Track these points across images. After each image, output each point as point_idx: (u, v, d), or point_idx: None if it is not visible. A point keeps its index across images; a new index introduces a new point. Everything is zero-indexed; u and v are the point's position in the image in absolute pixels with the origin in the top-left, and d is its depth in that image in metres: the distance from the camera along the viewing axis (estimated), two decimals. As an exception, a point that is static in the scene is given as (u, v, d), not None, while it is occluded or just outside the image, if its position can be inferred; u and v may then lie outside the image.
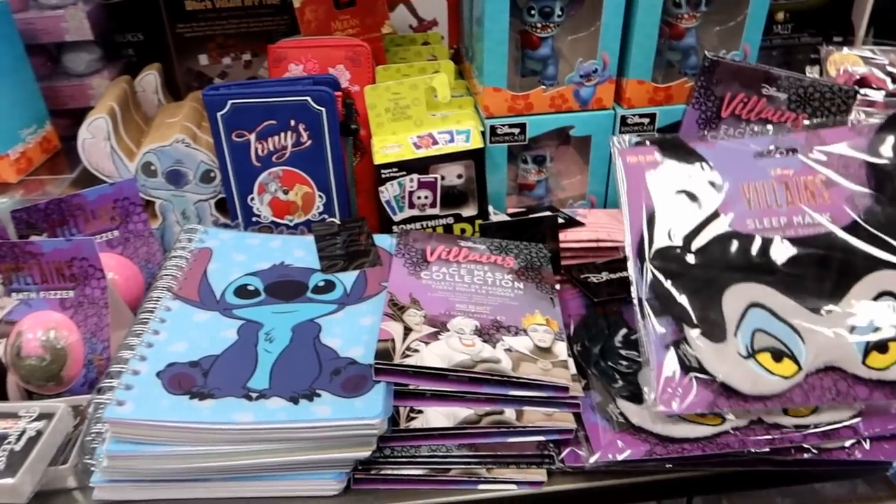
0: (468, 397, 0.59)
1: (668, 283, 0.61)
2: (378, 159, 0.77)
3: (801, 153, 0.64)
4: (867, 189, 0.62)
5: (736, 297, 0.60)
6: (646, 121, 0.84)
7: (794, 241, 0.62)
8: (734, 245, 0.62)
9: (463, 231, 0.81)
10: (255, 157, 0.79)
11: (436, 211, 0.80)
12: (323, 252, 0.75)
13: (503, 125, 0.82)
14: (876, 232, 0.61)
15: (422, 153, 0.77)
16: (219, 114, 0.76)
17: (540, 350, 0.61)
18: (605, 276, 0.77)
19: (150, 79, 0.95)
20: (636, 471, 0.59)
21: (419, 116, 0.81)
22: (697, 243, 0.62)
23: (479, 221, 0.80)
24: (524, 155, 0.88)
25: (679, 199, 0.64)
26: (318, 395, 0.57)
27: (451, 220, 0.80)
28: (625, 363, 0.64)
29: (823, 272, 0.60)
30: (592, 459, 0.57)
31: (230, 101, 0.76)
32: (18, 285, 0.67)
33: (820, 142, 0.64)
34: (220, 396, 0.56)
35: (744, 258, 0.61)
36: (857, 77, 0.87)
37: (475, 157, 0.77)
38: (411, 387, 0.59)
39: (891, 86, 0.86)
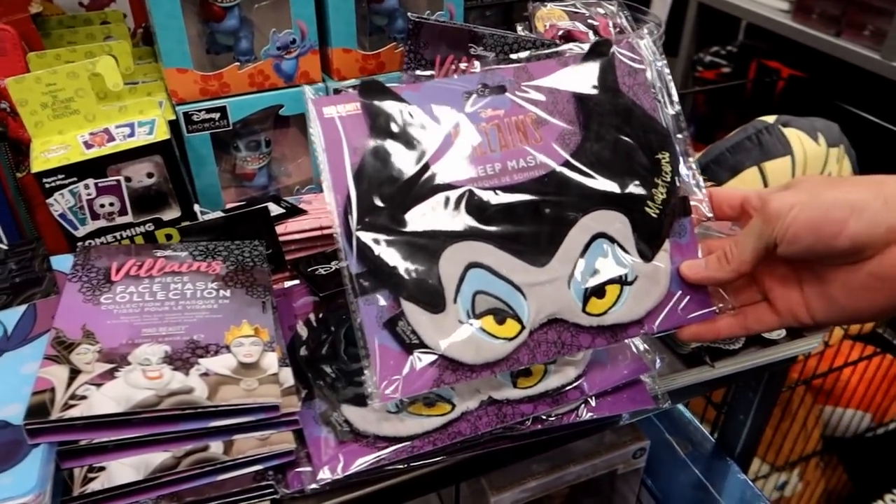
0: (160, 440, 0.49)
1: (379, 252, 0.53)
2: (37, 166, 0.63)
3: (509, 91, 0.58)
4: (577, 125, 0.58)
5: (453, 259, 0.53)
6: (362, 92, 0.78)
7: (509, 189, 0.56)
8: (449, 200, 0.55)
9: (169, 238, 0.70)
10: None
11: (128, 218, 0.68)
12: (-20, 288, 0.61)
13: (199, 111, 0.72)
14: (586, 169, 0.57)
15: (93, 153, 0.64)
16: None
17: (244, 367, 0.53)
18: (334, 265, 0.70)
19: None
20: (371, 479, 0.53)
21: (89, 110, 0.68)
22: (409, 203, 0.54)
23: (185, 224, 0.70)
24: (236, 142, 0.79)
25: (386, 154, 0.55)
26: (-50, 480, 0.44)
27: (151, 227, 0.69)
28: (349, 363, 0.58)
29: (540, 221, 0.55)
30: (315, 482, 0.51)
31: None
32: None
33: (528, 77, 0.59)
34: None
35: (459, 215, 0.54)
36: (563, 31, 0.87)
37: (163, 151, 0.66)
38: (83, 443, 0.48)
39: (593, 38, 0.87)
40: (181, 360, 0.53)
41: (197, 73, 0.71)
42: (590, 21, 0.88)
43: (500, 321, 0.53)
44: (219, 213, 0.74)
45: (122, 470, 0.48)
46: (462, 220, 0.54)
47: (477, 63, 0.74)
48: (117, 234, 0.68)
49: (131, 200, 0.67)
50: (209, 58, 0.74)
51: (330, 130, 0.55)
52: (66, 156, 0.64)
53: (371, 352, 0.51)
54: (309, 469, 0.53)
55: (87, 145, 0.65)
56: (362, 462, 0.51)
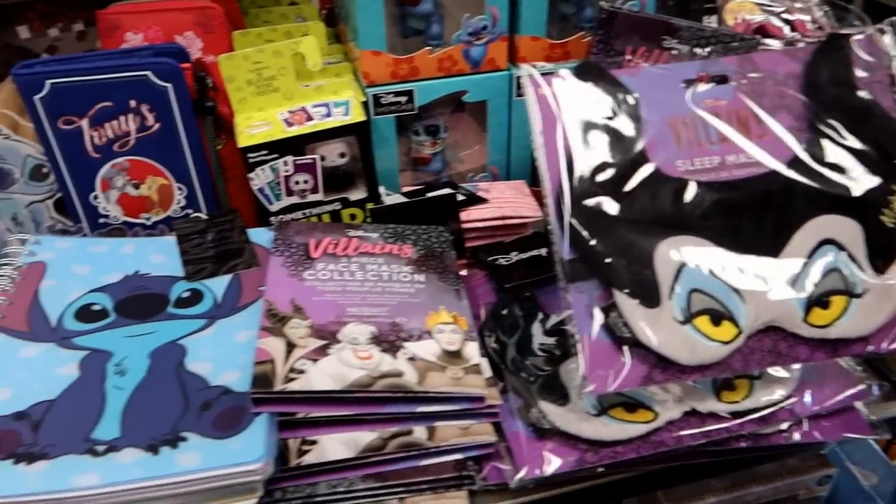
0: (369, 419, 0.50)
1: (592, 241, 0.50)
2: (242, 141, 0.65)
3: (733, 80, 0.55)
4: (805, 121, 0.54)
5: (669, 253, 0.51)
6: (544, 81, 0.76)
7: (729, 184, 0.53)
8: (664, 191, 0.52)
9: (353, 217, 0.71)
10: (91, 148, 0.66)
11: (319, 196, 0.69)
12: (188, 255, 0.63)
13: (387, 93, 0.73)
14: (818, 168, 0.53)
15: (294, 131, 0.66)
16: (36, 97, 0.62)
17: (448, 355, 0.53)
18: (514, 256, 0.69)
19: (-44, 57, 0.78)
20: (566, 480, 0.52)
21: (288, 88, 0.69)
22: (623, 191, 0.52)
23: (369, 205, 0.71)
24: (415, 126, 0.79)
25: (601, 139, 0.53)
26: (184, 439, 0.46)
27: (338, 206, 0.70)
28: (544, 356, 0.57)
29: (762, 220, 0.52)
30: (518, 477, 0.50)
31: (48, 81, 0.62)
32: None
33: (753, 67, 0.55)
34: (54, 455, 0.44)
35: (676, 207, 0.52)
36: (756, 25, 0.83)
37: (358, 133, 0.67)
38: (300, 415, 0.49)
39: (788, 33, 0.82)
40: (387, 342, 0.53)
41: (390, 57, 0.71)
42: (784, 16, 0.83)
43: (716, 322, 0.50)
44: (399, 197, 0.74)
45: (334, 446, 0.49)
46: (678, 213, 0.52)
47: (666, 54, 0.71)
48: (306, 211, 0.70)
49: (323, 179, 0.69)
50: (400, 41, 0.74)
51: (546, 111, 0.54)
52: (270, 132, 0.66)
53: (581, 341, 0.49)
54: (505, 465, 0.52)
55: (288, 123, 0.67)
56: (566, 464, 0.50)
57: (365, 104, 0.72)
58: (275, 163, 0.66)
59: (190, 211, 0.70)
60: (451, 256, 0.64)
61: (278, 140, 0.65)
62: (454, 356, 0.53)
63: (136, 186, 0.68)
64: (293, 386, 0.48)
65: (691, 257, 0.51)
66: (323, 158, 0.68)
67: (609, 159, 0.53)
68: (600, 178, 0.52)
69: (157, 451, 0.45)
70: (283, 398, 0.48)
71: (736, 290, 0.51)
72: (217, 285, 0.60)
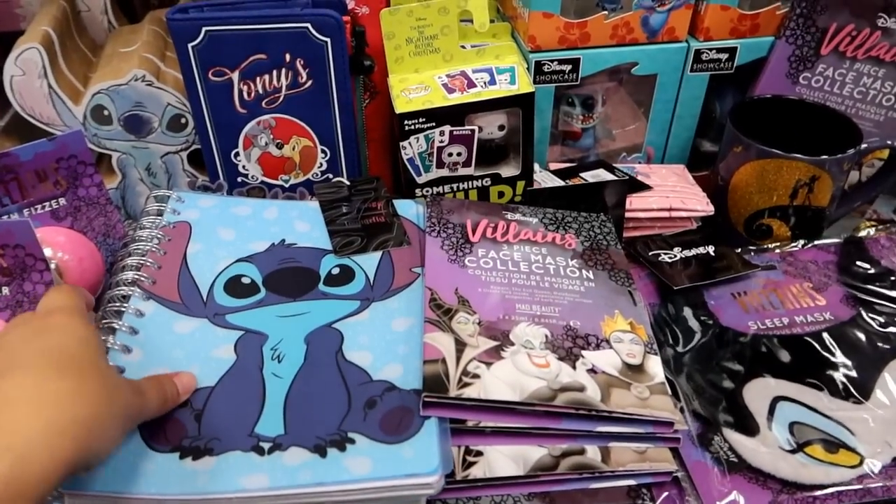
0: (542, 434, 0.45)
1: (676, 379, 0.52)
2: (400, 106, 0.60)
3: (779, 268, 0.62)
4: (853, 294, 0.59)
5: (757, 392, 0.51)
6: (723, 56, 0.68)
7: (801, 336, 0.55)
8: (739, 342, 0.55)
9: (501, 195, 0.66)
10: (239, 103, 0.62)
11: (470, 171, 0.64)
12: (333, 225, 0.59)
13: (551, 61, 0.66)
14: (880, 321, 0.57)
15: (456, 99, 0.60)
16: (190, 45, 0.58)
17: (630, 369, 0.48)
18: (678, 253, 0.63)
19: (95, -7, 0.75)
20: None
21: (449, 49, 0.63)
22: (691, 343, 0.55)
23: (521, 183, 0.65)
24: (570, 97, 0.72)
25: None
26: (352, 441, 0.43)
27: (487, 182, 0.65)
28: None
29: (840, 363, 0.53)
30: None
31: (205, 29, 0.58)
32: (-68, 281, 0.51)
33: (794, 259, 0.63)
34: (220, 451, 0.41)
35: (752, 354, 0.54)
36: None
37: (524, 105, 0.61)
38: (470, 423, 0.45)
39: None
40: (563, 348, 0.48)
41: (561, 20, 0.64)
42: None
43: (832, 451, 0.47)
44: (548, 174, 0.68)
45: (502, 460, 0.45)
46: (756, 358, 0.54)
47: (878, 34, 0.62)
48: (454, 186, 0.65)
49: (476, 151, 0.63)
50: (573, 3, 0.66)
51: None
52: (429, 98, 0.60)
53: (689, 469, 0.47)
54: (678, 495, 0.47)
55: (448, 89, 0.61)
56: None
57: (528, 71, 0.65)
58: (431, 132, 0.61)
59: (330, 175, 0.66)
60: (618, 252, 0.58)
61: (438, 107, 0.60)
62: (636, 371, 0.48)
63: (280, 146, 0.64)
64: (469, 392, 0.44)
65: (781, 395, 0.51)
66: (480, 130, 0.62)
67: (683, 315, 0.57)
68: (677, 333, 0.56)
69: (325, 453, 0.42)
70: (456, 404, 0.44)
71: (840, 423, 0.49)
72: (367, 263, 0.56)
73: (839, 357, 0.53)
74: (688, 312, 0.57)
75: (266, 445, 0.42)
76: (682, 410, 0.50)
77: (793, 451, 0.47)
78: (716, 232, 0.67)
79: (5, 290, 0.51)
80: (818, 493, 0.45)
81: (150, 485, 0.39)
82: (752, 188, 0.63)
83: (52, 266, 0.52)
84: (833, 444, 0.48)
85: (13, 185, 0.57)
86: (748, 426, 0.49)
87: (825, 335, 0.55)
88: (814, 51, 0.66)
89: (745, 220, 0.66)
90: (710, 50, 0.67)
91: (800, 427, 0.49)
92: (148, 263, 0.53)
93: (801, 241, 0.64)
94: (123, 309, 0.49)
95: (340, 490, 0.40)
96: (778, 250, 0.64)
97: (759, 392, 0.51)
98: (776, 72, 0.68)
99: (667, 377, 0.50)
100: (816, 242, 0.64)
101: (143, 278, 0.52)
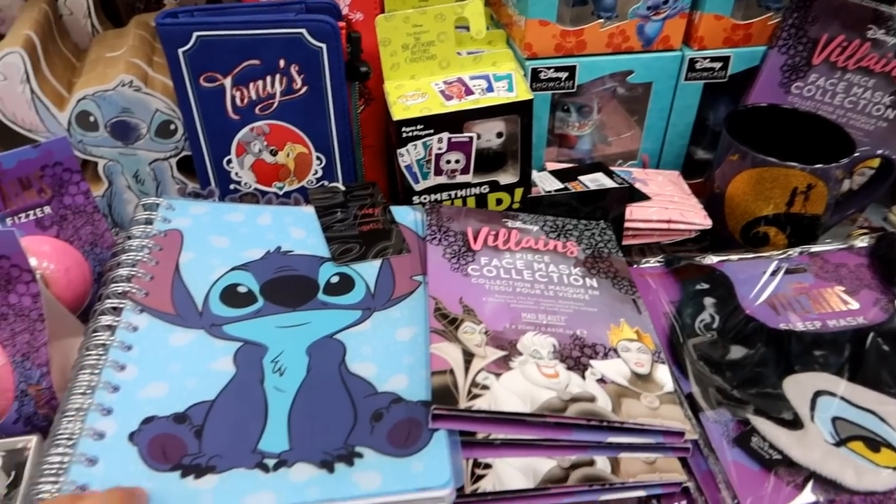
0: (552, 445, 0.45)
1: (716, 376, 0.52)
2: (397, 113, 0.59)
3: (809, 271, 0.61)
4: (887, 297, 0.58)
5: (798, 386, 0.51)
6: (717, 65, 0.68)
7: (836, 332, 0.55)
8: (775, 339, 0.55)
9: (499, 202, 0.65)
10: (231, 109, 0.60)
11: (468, 178, 0.63)
12: (330, 231, 0.58)
13: (547, 68, 0.65)
14: None
15: (454, 106, 0.59)
16: (181, 50, 0.57)
17: (639, 378, 0.47)
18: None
19: (78, -4, 0.73)
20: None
21: (445, 56, 0.63)
22: (732, 337, 0.55)
23: (519, 190, 0.64)
24: (566, 104, 0.72)
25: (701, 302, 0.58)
26: (360, 455, 0.41)
27: (485, 190, 0.64)
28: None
29: (879, 358, 0.53)
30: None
31: (196, 34, 0.56)
32: (-89, 294, 0.48)
33: (824, 262, 0.62)
34: (223, 469, 0.39)
35: (790, 349, 0.54)
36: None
37: (522, 112, 0.61)
38: (480, 436, 0.44)
39: None
40: (571, 358, 0.47)
41: (557, 28, 0.64)
42: None
43: (874, 449, 0.47)
44: (548, 177, 0.68)
45: (511, 473, 0.44)
46: (795, 353, 0.53)
47: (868, 45, 0.63)
48: (452, 193, 0.64)
49: (474, 159, 0.62)
50: (568, 11, 0.66)
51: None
52: (427, 105, 0.60)
53: (725, 470, 0.46)
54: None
55: (446, 96, 0.61)
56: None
57: (524, 78, 0.65)
58: (429, 139, 0.60)
59: (325, 182, 0.65)
60: (620, 259, 0.58)
61: (436, 115, 0.59)
62: (645, 380, 0.47)
63: (274, 153, 0.63)
64: (479, 404, 0.43)
65: (823, 389, 0.51)
66: (479, 137, 0.62)
67: (713, 313, 0.57)
68: (709, 326, 0.56)
69: (333, 468, 0.40)
70: (466, 416, 0.43)
71: (882, 419, 0.48)
72: (367, 271, 0.55)
73: (873, 356, 0.53)
74: (713, 307, 0.57)
75: (271, 462, 0.40)
76: (689, 420, 0.49)
77: (836, 444, 0.47)
78: (714, 241, 0.67)
79: (-11, 303, 0.49)
80: (862, 496, 0.45)
81: (151, 506, 0.37)
82: (748, 196, 0.64)
83: (38, 276, 0.50)
84: (875, 443, 0.47)
85: (-5, 193, 0.55)
86: (791, 421, 0.48)
87: (861, 334, 0.54)
88: (806, 61, 0.67)
89: (742, 228, 0.66)
90: (704, 59, 0.68)
91: (842, 423, 0.48)
92: (139, 274, 0.51)
93: (836, 244, 0.64)
94: (115, 323, 0.47)
95: (350, 507, 0.39)
96: (780, 259, 0.63)
97: (799, 385, 0.51)
98: (769, 81, 0.69)
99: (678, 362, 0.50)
100: (841, 245, 0.63)
101: (134, 290, 0.50)
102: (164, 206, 0.58)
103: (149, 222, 0.56)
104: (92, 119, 0.62)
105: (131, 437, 0.40)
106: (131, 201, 0.66)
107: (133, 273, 0.51)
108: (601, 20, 0.65)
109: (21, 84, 0.60)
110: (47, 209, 0.57)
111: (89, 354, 0.45)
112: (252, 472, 0.40)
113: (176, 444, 0.40)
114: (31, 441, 0.47)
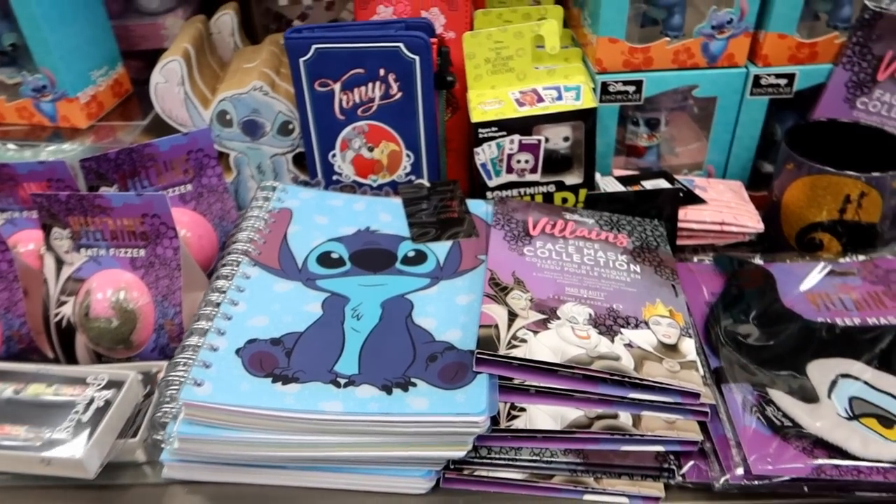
0: (580, 397, 0.51)
1: (743, 356, 0.57)
2: (476, 116, 0.68)
3: (858, 275, 0.64)
4: None
5: (822, 368, 0.55)
6: (782, 82, 0.73)
7: (873, 327, 0.59)
8: (809, 329, 0.59)
9: (564, 201, 0.73)
10: (338, 110, 0.72)
11: (536, 177, 0.71)
12: (412, 218, 0.68)
13: (616, 82, 0.73)
14: None
15: (525, 111, 0.68)
16: (301, 60, 0.69)
17: (665, 347, 0.53)
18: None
19: (225, 19, 0.88)
20: (778, 493, 0.50)
21: (522, 69, 0.71)
22: (766, 324, 0.59)
23: (583, 191, 0.72)
24: (636, 116, 0.78)
25: (741, 293, 0.63)
26: (413, 385, 0.50)
27: (552, 188, 0.72)
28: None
29: None
30: (742, 473, 0.49)
31: (314, 46, 0.68)
32: (87, 241, 0.62)
33: (875, 267, 0.65)
34: (305, 381, 0.50)
35: (822, 338, 0.58)
36: None
37: (586, 119, 0.68)
38: (516, 381, 0.51)
39: None
40: (604, 325, 0.54)
41: (626, 45, 0.71)
42: None
43: (887, 426, 0.50)
44: (613, 181, 0.74)
45: (541, 416, 0.51)
46: (824, 341, 0.57)
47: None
48: (521, 190, 0.72)
49: (542, 160, 0.70)
50: (637, 30, 0.73)
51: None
52: (502, 110, 0.69)
53: (739, 431, 0.51)
54: (704, 465, 0.51)
55: (519, 103, 0.69)
56: (802, 467, 0.48)
57: (593, 90, 0.72)
58: (501, 140, 0.69)
59: (413, 177, 0.75)
60: (666, 252, 0.64)
61: (509, 118, 0.68)
62: (671, 349, 0.53)
63: (371, 149, 0.74)
64: (516, 352, 0.51)
65: (845, 373, 0.54)
66: (547, 140, 0.70)
67: (751, 302, 0.61)
68: (744, 314, 0.61)
69: (391, 391, 0.49)
70: (504, 362, 0.51)
71: None
72: (439, 249, 0.64)
73: None
74: (753, 297, 0.62)
75: (342, 381, 0.50)
76: (708, 386, 0.54)
77: (849, 418, 0.51)
78: (770, 247, 0.71)
79: (142, 252, 0.62)
80: (864, 466, 0.48)
81: (248, 399, 0.48)
82: (802, 203, 0.67)
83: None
84: (889, 421, 0.50)
85: (152, 170, 0.69)
86: (807, 396, 0.53)
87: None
88: (871, 77, 0.70)
89: (797, 234, 0.69)
90: (769, 75, 0.72)
91: (859, 402, 0.52)
92: (255, 238, 0.63)
93: (890, 252, 0.67)
94: (233, 273, 0.59)
95: (402, 421, 0.48)
96: (830, 262, 0.66)
97: (823, 368, 0.55)
98: (834, 96, 0.72)
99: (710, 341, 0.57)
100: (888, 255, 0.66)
101: (251, 250, 0.62)
102: (279, 189, 0.70)
103: (267, 200, 0.69)
104: (228, 117, 0.76)
105: (237, 351, 0.51)
106: (253, 189, 0.79)
107: (251, 237, 0.63)
108: (668, 38, 0.71)
109: (178, 86, 0.75)
110: (189, 187, 0.71)
111: (213, 292, 0.57)
112: (327, 385, 0.49)
113: (270, 359, 0.51)
114: (163, 366, 0.59)
